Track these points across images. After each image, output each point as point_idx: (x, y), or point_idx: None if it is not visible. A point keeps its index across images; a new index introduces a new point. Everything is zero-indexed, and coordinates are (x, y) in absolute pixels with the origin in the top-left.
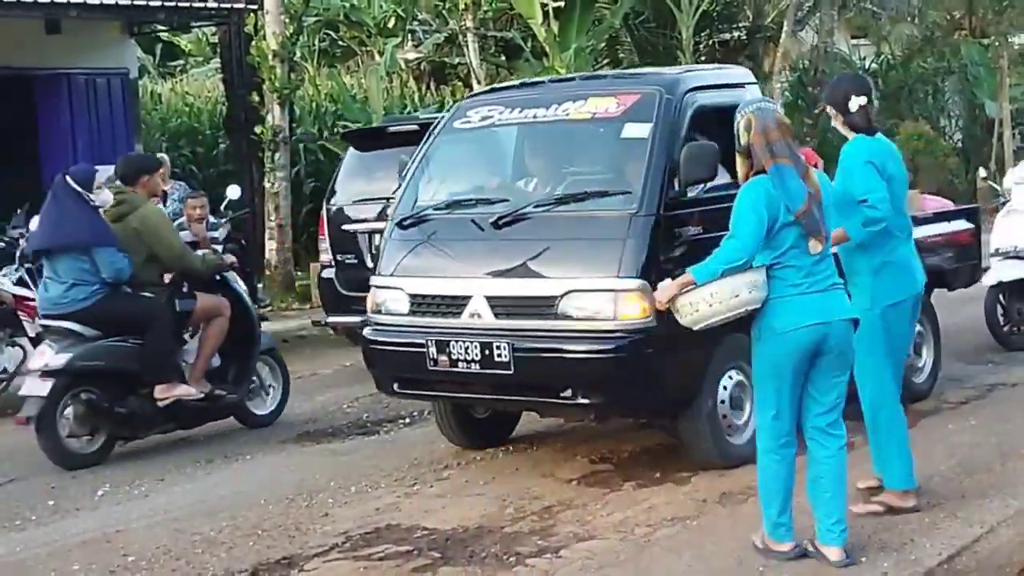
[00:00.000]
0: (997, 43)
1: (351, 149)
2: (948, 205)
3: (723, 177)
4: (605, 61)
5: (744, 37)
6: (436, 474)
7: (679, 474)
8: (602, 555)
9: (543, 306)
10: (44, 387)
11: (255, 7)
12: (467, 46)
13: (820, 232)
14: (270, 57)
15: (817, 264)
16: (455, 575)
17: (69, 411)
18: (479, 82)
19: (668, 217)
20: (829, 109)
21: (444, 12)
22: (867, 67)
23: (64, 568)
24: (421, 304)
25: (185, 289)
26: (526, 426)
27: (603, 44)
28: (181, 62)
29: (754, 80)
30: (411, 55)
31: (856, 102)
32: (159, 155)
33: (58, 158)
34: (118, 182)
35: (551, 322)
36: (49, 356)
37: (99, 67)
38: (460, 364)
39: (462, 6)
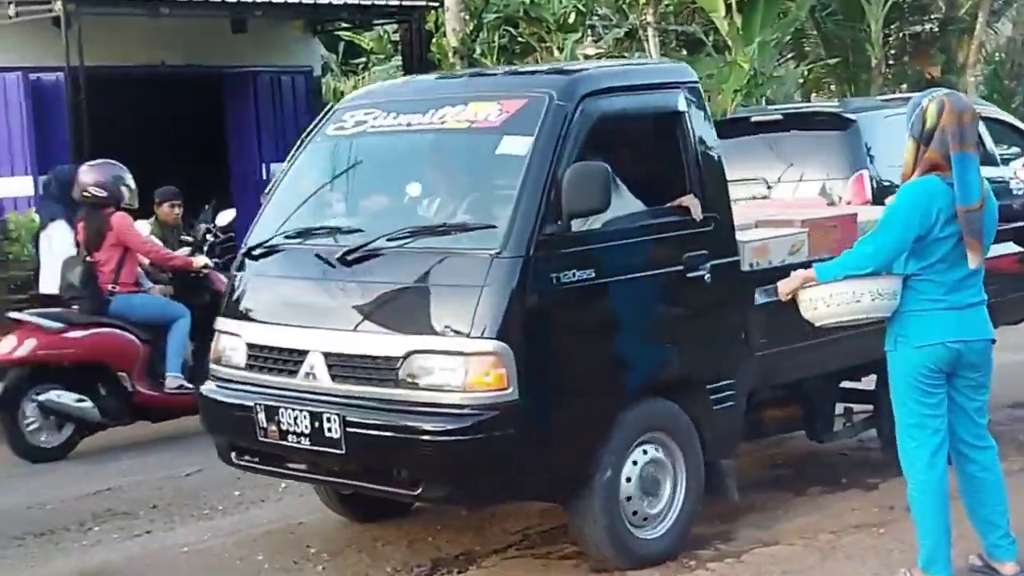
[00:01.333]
0: None
1: None
2: None
3: (629, 205)
4: (790, 55)
5: (936, 29)
6: None
7: (866, 480)
8: (784, 561)
9: (383, 369)
10: None
11: (436, 4)
12: (647, 41)
13: (979, 239)
14: (450, 54)
15: (964, 280)
16: None
17: None
18: None
19: (542, 259)
20: None
21: (624, 7)
22: None
23: (249, 557)
24: (257, 357)
25: None
26: None
27: (788, 38)
28: (363, 60)
29: (695, 79)
30: (590, 50)
31: None
32: None
33: (244, 155)
34: None
35: (390, 390)
36: None
37: (284, 65)
38: (290, 437)
39: (643, 1)
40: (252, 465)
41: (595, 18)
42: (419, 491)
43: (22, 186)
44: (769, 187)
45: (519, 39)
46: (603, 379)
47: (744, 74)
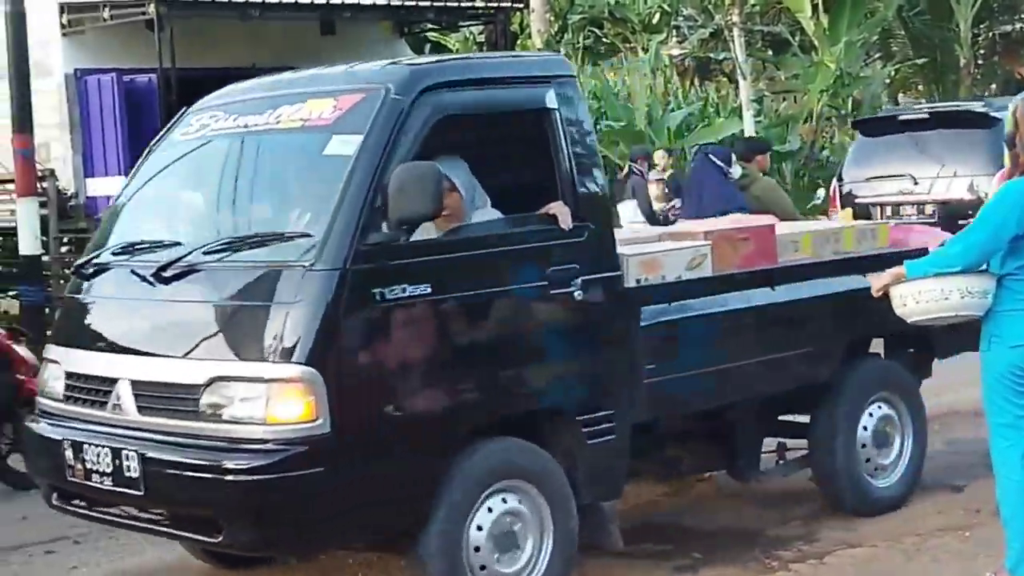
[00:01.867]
0: None
1: (859, 135)
2: (938, 237)
3: (481, 212)
4: (877, 55)
5: None
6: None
7: (952, 482)
8: (867, 563)
9: (185, 399)
10: None
11: (521, 6)
12: (733, 41)
13: None
14: None
15: None
16: None
17: None
18: (744, 77)
19: (364, 272)
20: None
21: (710, 7)
22: None
23: None
24: (73, 387)
25: None
26: None
27: (875, 37)
28: None
29: (568, 73)
30: (675, 51)
31: None
32: (764, 139)
33: None
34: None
35: (192, 423)
36: None
37: None
38: (94, 476)
39: (728, 1)
40: (73, 509)
41: (680, 18)
42: (220, 538)
43: (116, 186)
44: (916, 183)
45: (604, 40)
46: (436, 413)
47: (831, 74)
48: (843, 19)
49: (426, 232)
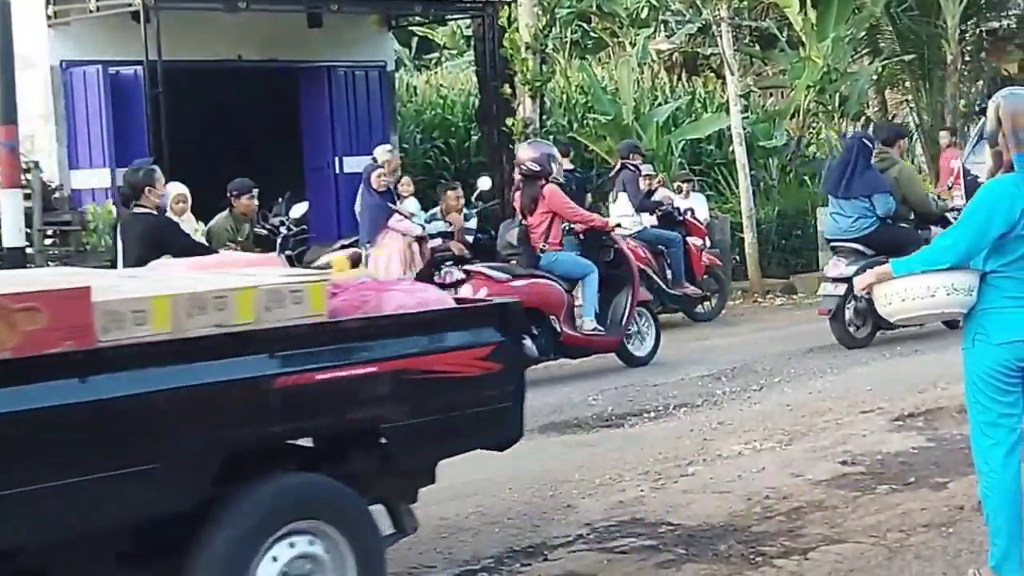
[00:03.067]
0: None
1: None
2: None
3: None
4: (864, 51)
5: (1014, 25)
6: (681, 470)
7: (935, 479)
8: (852, 559)
9: None
10: (839, 289)
11: (509, 0)
12: (720, 36)
13: None
14: (522, 49)
15: None
16: (700, 572)
17: (851, 306)
18: (732, 73)
19: None
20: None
21: (698, 2)
22: None
23: None
24: None
25: None
26: (773, 424)
27: (863, 33)
28: (436, 55)
29: None
30: (663, 46)
31: None
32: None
33: (318, 149)
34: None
35: None
36: (841, 267)
37: (358, 60)
38: None
39: None
40: None
41: (668, 13)
42: None
43: (100, 178)
44: None
45: (592, 34)
46: None
47: (818, 70)
48: (831, 15)
49: None
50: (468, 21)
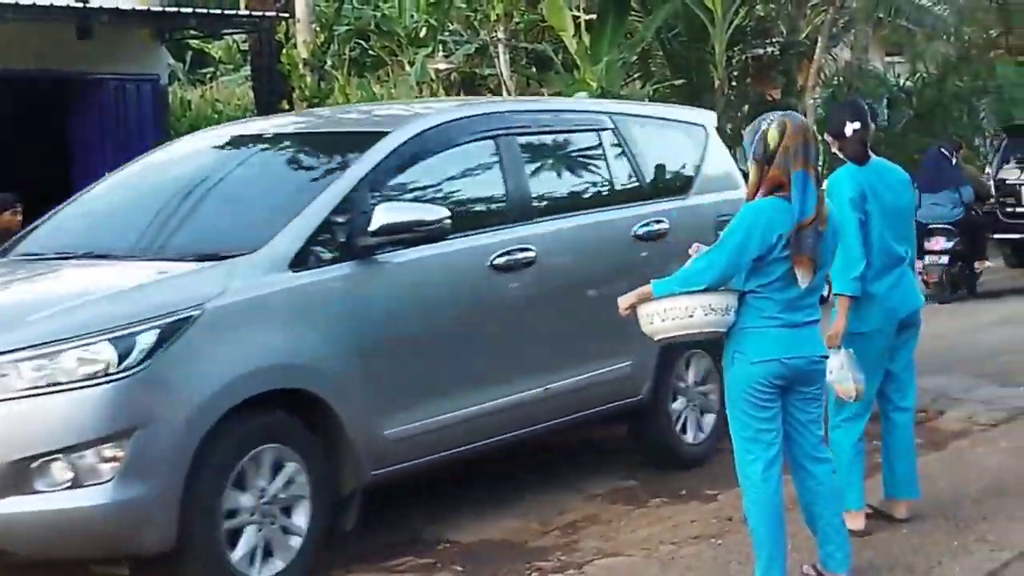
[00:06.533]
0: None
1: (1007, 137)
2: None
3: None
4: (637, 75)
5: (778, 53)
6: (459, 487)
7: (705, 492)
8: (625, 572)
9: None
10: (943, 260)
11: (286, 15)
12: (498, 57)
13: (808, 256)
14: (300, 66)
15: (801, 298)
16: None
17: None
18: (509, 93)
19: None
20: (827, 136)
21: (475, 23)
22: (901, 84)
23: None
24: None
25: None
26: (557, 438)
27: (635, 58)
28: (211, 69)
29: None
30: (442, 65)
31: (850, 127)
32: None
33: (88, 162)
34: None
35: None
36: (943, 243)
37: (130, 73)
38: None
39: (493, 17)
40: None
41: (446, 33)
42: None
43: None
44: None
45: (370, 52)
46: None
47: (592, 92)
48: (604, 40)
49: None
50: (244, 36)
